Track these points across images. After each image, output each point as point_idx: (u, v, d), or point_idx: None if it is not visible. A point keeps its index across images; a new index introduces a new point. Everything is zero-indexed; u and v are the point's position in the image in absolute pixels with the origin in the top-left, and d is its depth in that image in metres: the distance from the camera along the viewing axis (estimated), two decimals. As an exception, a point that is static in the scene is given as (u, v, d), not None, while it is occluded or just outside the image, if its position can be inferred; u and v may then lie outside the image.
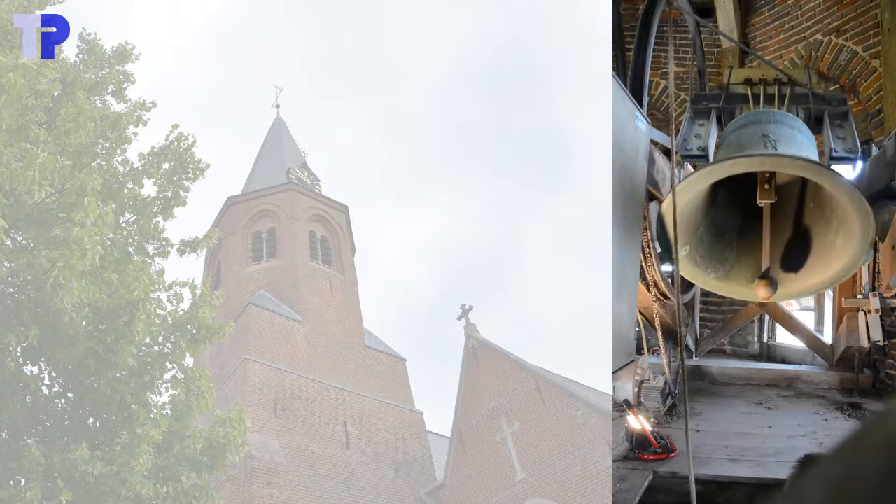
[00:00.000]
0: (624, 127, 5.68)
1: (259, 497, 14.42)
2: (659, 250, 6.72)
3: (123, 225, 7.36)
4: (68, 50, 7.75)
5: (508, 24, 75.18)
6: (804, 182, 6.40)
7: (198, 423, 7.07)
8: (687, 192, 5.92)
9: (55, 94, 6.78)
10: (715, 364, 8.68)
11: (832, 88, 7.90)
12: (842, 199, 5.66)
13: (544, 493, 15.10)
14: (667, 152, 6.66)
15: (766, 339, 9.22)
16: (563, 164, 74.72)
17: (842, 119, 6.77)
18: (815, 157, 6.17)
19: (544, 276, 73.58)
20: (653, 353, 7.28)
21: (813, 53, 8.16)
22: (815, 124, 6.88)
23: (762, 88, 6.95)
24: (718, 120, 7.15)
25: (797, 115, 6.80)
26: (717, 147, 6.93)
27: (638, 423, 6.34)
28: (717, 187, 6.23)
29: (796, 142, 6.11)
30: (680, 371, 7.15)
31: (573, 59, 73.74)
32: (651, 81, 7.00)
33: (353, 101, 78.84)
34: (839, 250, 6.02)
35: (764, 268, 6.20)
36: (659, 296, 7.12)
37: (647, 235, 6.62)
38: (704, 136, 6.87)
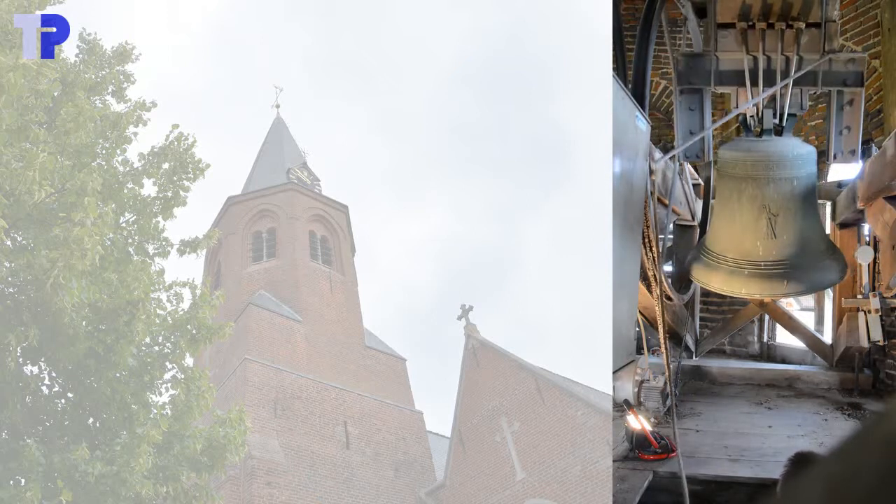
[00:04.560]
0: (624, 127, 5.68)
1: (259, 497, 14.41)
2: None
3: (123, 225, 7.35)
4: (68, 50, 7.75)
5: (508, 24, 75.14)
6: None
7: (198, 423, 7.06)
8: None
9: (55, 94, 6.78)
10: (715, 364, 8.67)
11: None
12: None
13: (544, 493, 15.10)
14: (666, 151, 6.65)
15: (766, 339, 9.21)
16: (563, 164, 74.73)
17: (849, 104, 6.63)
18: (817, 230, 6.59)
19: (544, 276, 73.60)
20: (653, 353, 7.27)
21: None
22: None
23: (761, 48, 6.52)
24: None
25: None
26: (716, 163, 6.92)
27: (638, 423, 6.33)
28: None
29: (799, 212, 6.37)
30: (676, 370, 7.16)
31: (573, 59, 73.72)
32: (651, 81, 6.97)
33: (353, 101, 78.86)
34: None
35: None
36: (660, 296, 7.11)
37: (647, 235, 6.61)
38: (697, 126, 6.83)
